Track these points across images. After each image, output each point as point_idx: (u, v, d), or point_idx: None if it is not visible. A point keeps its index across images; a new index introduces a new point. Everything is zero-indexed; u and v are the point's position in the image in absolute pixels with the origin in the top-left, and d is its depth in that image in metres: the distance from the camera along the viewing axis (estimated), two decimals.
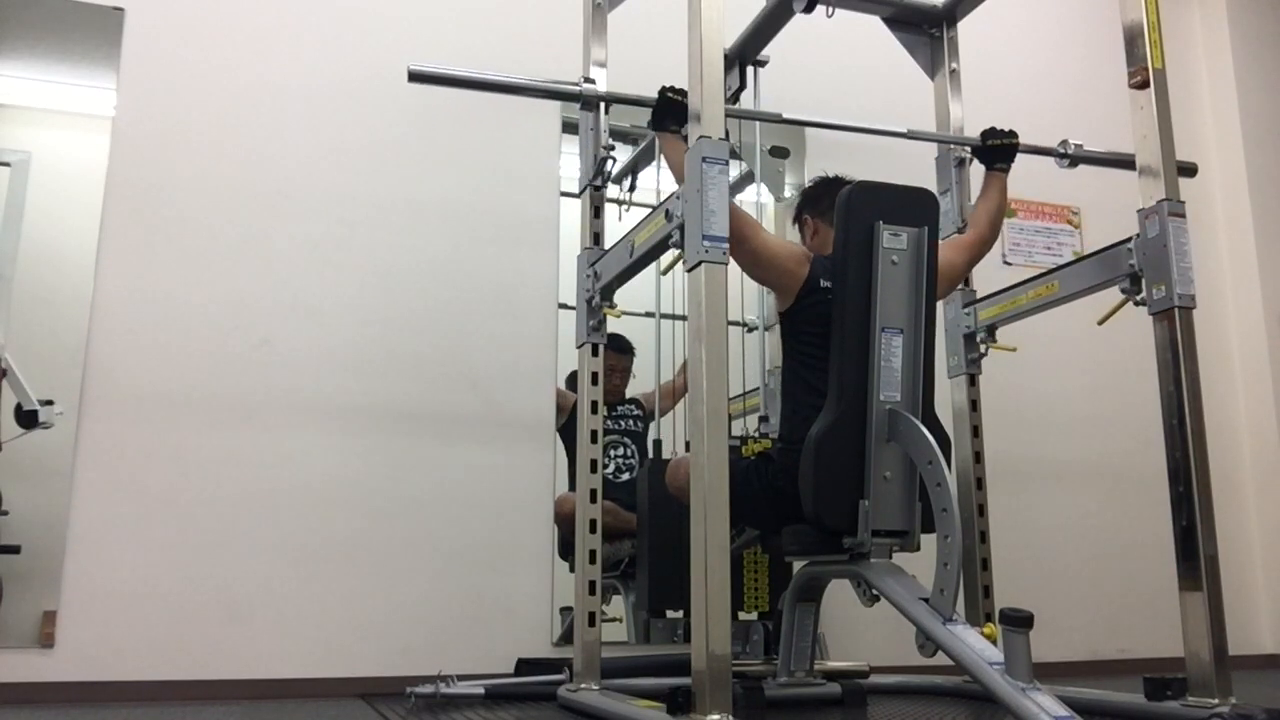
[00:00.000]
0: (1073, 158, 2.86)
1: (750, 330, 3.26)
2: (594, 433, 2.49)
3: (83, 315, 2.76)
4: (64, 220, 2.82)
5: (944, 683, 2.74)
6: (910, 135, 2.75)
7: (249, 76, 3.05)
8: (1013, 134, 2.77)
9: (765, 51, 2.92)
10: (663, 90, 2.40)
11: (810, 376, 2.27)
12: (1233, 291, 4.18)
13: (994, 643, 1.83)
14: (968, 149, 2.91)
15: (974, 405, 2.86)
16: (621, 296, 2.51)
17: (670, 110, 2.36)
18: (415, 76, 2.41)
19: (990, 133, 2.78)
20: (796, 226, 2.64)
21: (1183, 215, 2.28)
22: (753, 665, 2.56)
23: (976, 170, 2.91)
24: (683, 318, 2.75)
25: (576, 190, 2.67)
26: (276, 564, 2.80)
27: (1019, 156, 2.81)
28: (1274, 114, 4.29)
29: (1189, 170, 2.57)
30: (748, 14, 2.79)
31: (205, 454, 2.80)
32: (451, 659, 2.79)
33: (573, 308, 2.65)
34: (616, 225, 2.54)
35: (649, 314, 3.12)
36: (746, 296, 3.23)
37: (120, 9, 2.97)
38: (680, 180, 2.17)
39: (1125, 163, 2.46)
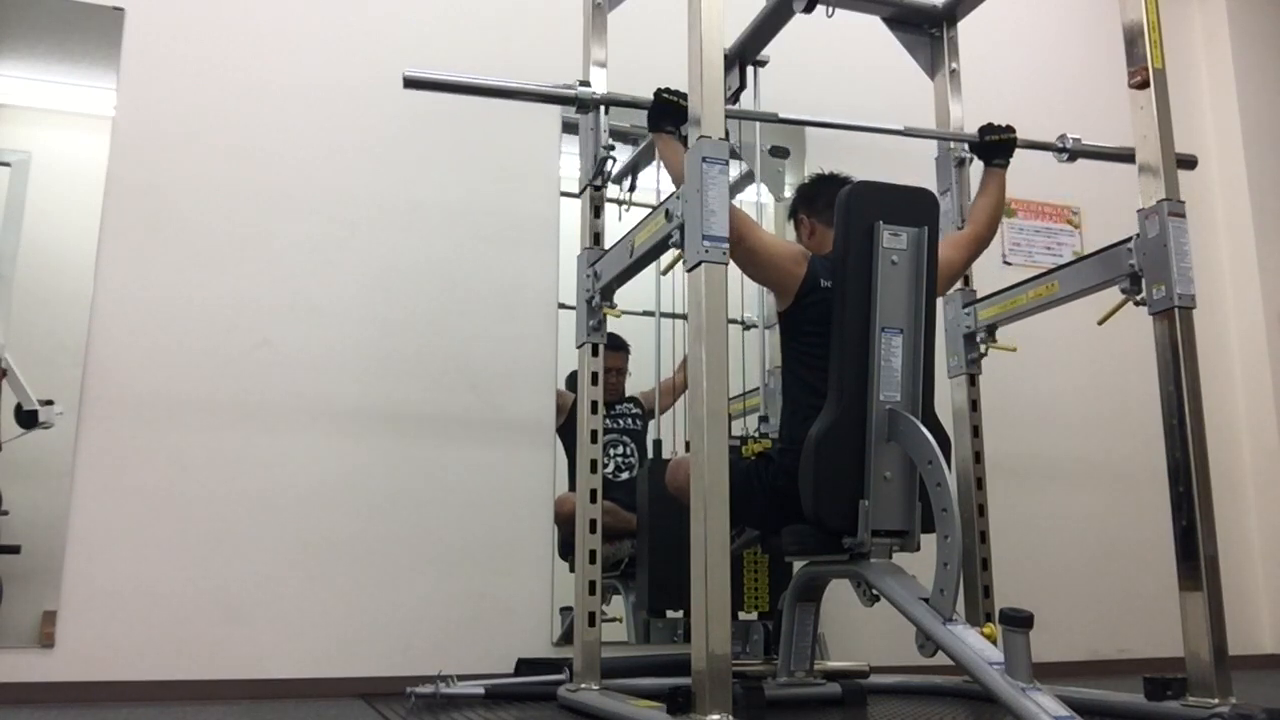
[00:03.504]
0: (1071, 152, 2.85)
1: (749, 328, 3.26)
2: (594, 432, 2.49)
3: (83, 315, 2.77)
4: (64, 220, 2.82)
5: (944, 683, 2.74)
6: (907, 132, 2.75)
7: (249, 76, 3.05)
8: (1010, 129, 2.76)
9: (765, 51, 2.92)
10: (658, 92, 2.40)
11: (810, 377, 2.26)
12: (1233, 291, 4.18)
13: (994, 643, 1.83)
14: (967, 148, 2.91)
15: (974, 405, 2.86)
16: (621, 296, 2.51)
17: (666, 111, 2.36)
18: (410, 83, 2.40)
19: (988, 128, 2.77)
20: (793, 225, 2.64)
21: (1183, 215, 2.28)
22: (753, 665, 2.56)
23: (976, 170, 2.92)
24: (683, 316, 2.73)
25: (576, 190, 2.67)
26: (276, 564, 2.80)
27: (1019, 155, 2.80)
28: (1274, 114, 4.29)
29: (1189, 162, 2.54)
30: (748, 14, 2.79)
31: (205, 454, 2.80)
32: (451, 659, 2.79)
33: (573, 308, 2.64)
34: (616, 225, 2.54)
35: (648, 313, 3.11)
36: (746, 296, 3.23)
37: (120, 9, 2.97)
38: (678, 181, 2.16)
39: (1125, 157, 2.45)
